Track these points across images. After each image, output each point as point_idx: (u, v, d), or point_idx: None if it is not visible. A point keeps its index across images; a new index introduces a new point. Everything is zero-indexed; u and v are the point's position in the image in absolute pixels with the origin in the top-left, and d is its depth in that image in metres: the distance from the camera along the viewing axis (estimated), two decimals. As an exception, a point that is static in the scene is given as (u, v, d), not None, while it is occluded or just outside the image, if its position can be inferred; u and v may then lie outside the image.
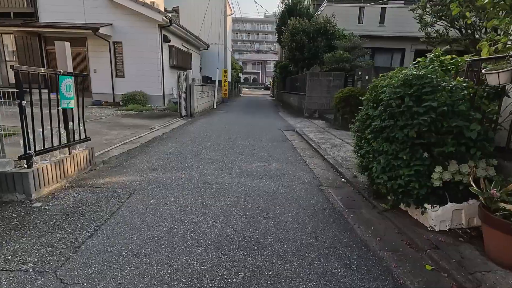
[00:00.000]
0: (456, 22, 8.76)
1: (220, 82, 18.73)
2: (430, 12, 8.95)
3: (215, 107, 14.86)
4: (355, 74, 9.31)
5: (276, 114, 12.86)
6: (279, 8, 16.34)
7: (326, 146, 6.10)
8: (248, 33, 75.13)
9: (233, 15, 32.73)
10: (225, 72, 18.49)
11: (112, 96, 13.57)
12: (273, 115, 12.56)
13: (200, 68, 21.07)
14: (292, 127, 9.00)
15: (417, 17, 9.44)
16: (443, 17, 8.77)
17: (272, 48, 76.28)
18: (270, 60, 61.14)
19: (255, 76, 65.59)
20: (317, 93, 11.44)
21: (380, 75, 3.49)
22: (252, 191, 3.45)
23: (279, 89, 23.21)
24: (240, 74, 46.35)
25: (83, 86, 4.03)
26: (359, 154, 3.50)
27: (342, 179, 4.14)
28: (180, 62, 15.58)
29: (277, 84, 27.13)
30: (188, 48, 17.62)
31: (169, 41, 13.92)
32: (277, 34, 17.48)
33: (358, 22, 14.91)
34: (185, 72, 9.99)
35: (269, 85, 46.66)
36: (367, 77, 8.35)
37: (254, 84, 63.07)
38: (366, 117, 3.27)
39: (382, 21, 14.89)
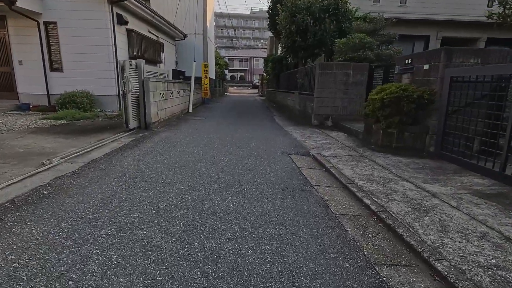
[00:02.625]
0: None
1: (198, 79, 15.20)
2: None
3: (190, 111, 11.34)
4: (397, 63, 6.05)
5: (272, 121, 9.49)
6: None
7: (402, 210, 2.77)
8: (235, 29, 71.86)
9: (218, 10, 29.27)
10: (206, 66, 14.97)
11: (47, 97, 9.87)
12: (268, 122, 9.18)
13: (176, 62, 17.46)
14: (303, 146, 5.65)
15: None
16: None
17: (260, 45, 73.00)
18: (258, 57, 57.76)
19: (242, 74, 62.07)
20: (331, 93, 8.14)
21: None
22: None
23: (271, 87, 19.82)
24: (226, 72, 42.83)
25: None
26: None
27: None
28: (146, 52, 11.98)
29: (267, 81, 23.78)
30: (158, 36, 14.00)
31: (126, 23, 10.32)
32: (268, 20, 14.13)
33: (374, 1, 11.73)
34: (133, 61, 6.46)
35: (257, 83, 43.37)
36: (425, 67, 5.10)
37: (241, 82, 59.54)
38: None
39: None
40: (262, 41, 75.10)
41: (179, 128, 7.28)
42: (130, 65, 6.25)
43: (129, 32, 10.80)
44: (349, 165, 4.34)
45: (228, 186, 3.32)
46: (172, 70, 12.02)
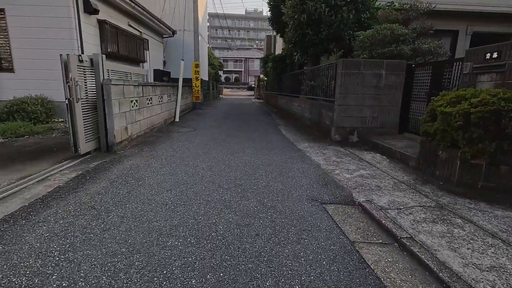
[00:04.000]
0: None
1: (188, 80, 13.25)
2: None
3: (177, 119, 9.36)
4: (467, 59, 4.19)
5: (278, 134, 7.59)
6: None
7: None
8: (229, 30, 70.25)
9: (213, 11, 27.32)
10: (197, 66, 13.02)
11: (-6, 104, 7.83)
12: (274, 136, 7.27)
13: (164, 62, 15.47)
14: (336, 182, 3.73)
15: None
16: None
17: (255, 46, 71.25)
18: (253, 58, 55.95)
19: (237, 75, 60.14)
20: (356, 99, 6.26)
21: None
22: None
23: (271, 89, 17.91)
24: (220, 73, 40.93)
25: None
26: None
27: None
28: (125, 49, 10.00)
29: (266, 83, 21.89)
30: (141, 32, 12.01)
31: (97, 12, 8.33)
32: (269, 12, 12.23)
33: (396, -11, 9.92)
34: (86, 55, 4.48)
35: (253, 85, 41.51)
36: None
37: (236, 84, 57.61)
38: None
39: (431, -13, 9.96)
40: (257, 42, 73.53)
41: (156, 150, 5.30)
42: (80, 61, 4.28)
43: (102, 24, 8.81)
44: (439, 235, 2.44)
45: None
46: (154, 70, 10.04)
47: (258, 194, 3.28)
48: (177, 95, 9.68)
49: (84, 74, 4.43)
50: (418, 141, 5.61)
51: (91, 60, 4.56)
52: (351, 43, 8.19)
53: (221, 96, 31.82)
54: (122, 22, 10.24)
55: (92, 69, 4.58)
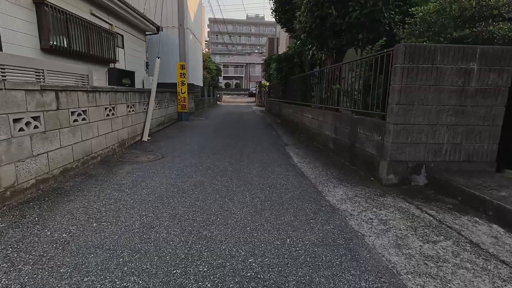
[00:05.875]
0: None
1: (171, 85, 10.71)
2: None
3: (145, 138, 6.72)
4: None
5: (288, 166, 4.95)
6: None
7: None
8: (230, 35, 68.51)
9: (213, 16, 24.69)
10: (183, 68, 10.46)
11: None
12: (283, 172, 4.62)
13: (147, 64, 12.95)
14: None
15: None
16: None
17: (256, 51, 69.23)
18: (254, 63, 53.71)
19: (238, 81, 57.83)
20: (428, 114, 3.63)
21: None
22: None
23: (275, 96, 15.31)
24: (220, 79, 38.61)
25: None
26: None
27: None
28: (83, 44, 7.44)
29: (269, 88, 19.33)
30: (112, 25, 9.50)
31: (29, -12, 5.82)
32: (272, 0, 9.73)
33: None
34: None
35: (254, 91, 39.12)
36: None
37: (237, 90, 55.25)
38: None
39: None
40: (258, 47, 71.71)
41: (49, 220, 2.66)
42: None
43: (40, 6, 6.28)
44: None
45: None
46: (109, 69, 7.43)
47: None
48: (147, 104, 7.08)
49: None
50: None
51: None
52: (392, 29, 5.61)
53: (219, 103, 29.32)
54: (79, 9, 7.74)
55: None
